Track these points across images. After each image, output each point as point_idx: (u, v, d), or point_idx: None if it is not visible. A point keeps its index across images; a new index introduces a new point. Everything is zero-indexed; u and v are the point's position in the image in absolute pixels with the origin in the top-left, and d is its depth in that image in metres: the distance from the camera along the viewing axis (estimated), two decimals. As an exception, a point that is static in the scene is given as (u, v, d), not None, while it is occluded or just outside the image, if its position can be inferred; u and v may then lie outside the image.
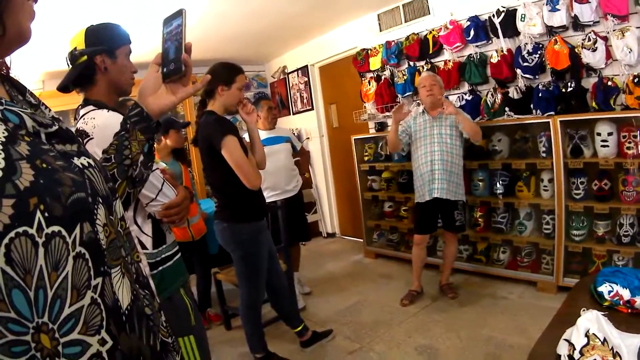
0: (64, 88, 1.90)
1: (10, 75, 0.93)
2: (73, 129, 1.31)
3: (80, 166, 0.85)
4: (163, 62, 1.25)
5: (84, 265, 0.75)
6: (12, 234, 0.65)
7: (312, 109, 7.32)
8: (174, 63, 1.23)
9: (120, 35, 1.92)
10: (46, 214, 0.69)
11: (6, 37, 0.82)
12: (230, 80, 3.05)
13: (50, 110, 0.94)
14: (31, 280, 0.67)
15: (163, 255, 1.87)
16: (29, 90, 0.93)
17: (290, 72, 7.62)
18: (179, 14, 1.23)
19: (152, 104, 1.25)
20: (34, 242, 0.67)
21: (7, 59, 0.91)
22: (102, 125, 1.68)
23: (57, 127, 0.86)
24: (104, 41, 1.85)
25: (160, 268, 1.85)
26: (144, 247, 1.81)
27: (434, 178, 4.24)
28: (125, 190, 1.23)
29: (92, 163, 0.89)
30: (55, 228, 0.71)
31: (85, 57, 1.83)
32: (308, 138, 7.46)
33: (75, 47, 1.85)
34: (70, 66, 1.87)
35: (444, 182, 4.22)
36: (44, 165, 0.73)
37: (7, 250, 0.64)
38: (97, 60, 1.84)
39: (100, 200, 0.85)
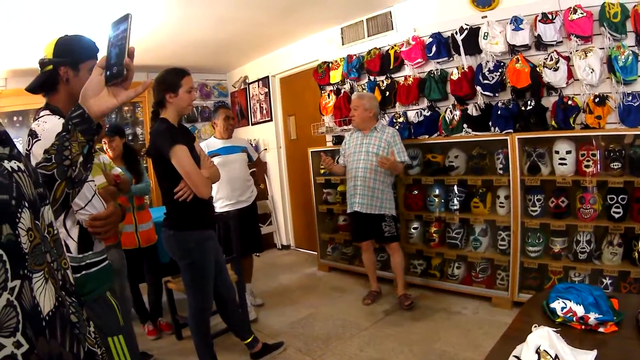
0: (32, 90, 1.96)
1: None
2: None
3: (10, 169, 0.84)
4: (107, 66, 1.24)
5: (0, 266, 0.74)
6: None
7: (271, 120, 7.14)
8: (116, 67, 1.22)
9: (87, 50, 1.97)
10: None
11: None
12: (176, 85, 2.93)
13: None
14: None
15: (88, 261, 1.85)
16: None
17: (251, 83, 7.44)
18: (125, 18, 1.22)
19: (93, 105, 1.24)
20: None
21: None
22: (49, 129, 1.71)
23: None
24: (70, 54, 1.92)
25: (83, 272, 1.82)
26: (68, 250, 1.78)
27: (356, 193, 4.35)
28: (65, 191, 1.21)
29: (22, 167, 0.89)
30: None
31: (50, 67, 1.90)
32: (265, 149, 7.29)
33: (45, 55, 1.93)
34: (40, 71, 1.94)
35: (364, 198, 4.31)
36: None
37: None
38: (61, 71, 1.91)
39: (27, 204, 0.85)
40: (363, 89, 5.30)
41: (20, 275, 0.78)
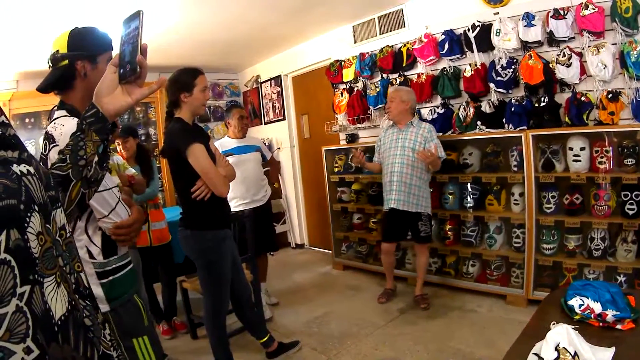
0: (44, 89, 1.84)
1: None
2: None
3: (19, 173, 0.85)
4: (120, 64, 1.24)
5: (8, 272, 0.74)
6: None
7: (284, 119, 7.21)
8: (129, 64, 1.22)
9: (103, 41, 1.87)
10: None
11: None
12: (191, 85, 2.96)
13: (3, 114, 0.90)
14: None
15: (114, 266, 1.81)
16: None
17: (263, 82, 7.53)
18: (137, 15, 1.21)
19: (107, 104, 1.24)
20: None
21: None
22: (67, 133, 1.62)
23: None
24: (86, 46, 1.81)
25: (110, 278, 1.79)
26: (92, 257, 1.76)
27: (392, 189, 4.31)
28: (80, 191, 1.22)
29: (32, 171, 0.89)
30: None
31: (66, 61, 1.79)
32: (279, 148, 7.36)
33: (58, 50, 1.80)
34: (51, 68, 1.83)
35: (401, 194, 4.24)
36: None
37: None
38: (78, 66, 1.80)
39: (37, 208, 0.85)
40: (376, 87, 5.34)
41: (30, 280, 0.78)
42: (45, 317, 0.80)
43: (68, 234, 0.99)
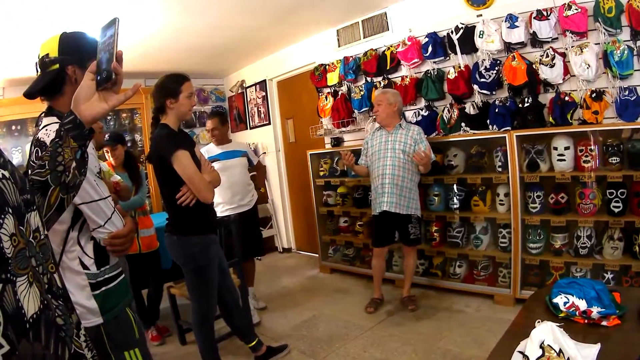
0: (32, 94, 1.77)
1: None
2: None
3: None
4: (97, 71, 1.25)
5: None
6: None
7: (269, 123, 7.15)
8: (106, 71, 1.23)
9: (93, 46, 1.72)
10: None
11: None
12: (177, 91, 2.92)
13: None
14: None
15: (106, 276, 1.77)
16: None
17: (248, 87, 7.47)
18: (113, 23, 1.23)
19: (85, 111, 1.25)
20: None
21: None
22: None
23: None
24: (77, 51, 1.74)
25: (103, 289, 1.74)
26: (85, 267, 1.71)
27: (384, 192, 4.20)
28: (59, 196, 1.22)
29: (7, 175, 0.91)
30: None
31: (57, 66, 1.72)
32: (264, 153, 7.30)
33: (47, 54, 1.74)
34: (40, 72, 1.76)
35: (393, 196, 4.16)
36: None
37: None
38: (69, 71, 1.73)
39: (10, 210, 0.88)
40: (360, 90, 5.29)
41: (2, 279, 0.80)
42: (16, 315, 0.81)
43: (42, 236, 1.01)
